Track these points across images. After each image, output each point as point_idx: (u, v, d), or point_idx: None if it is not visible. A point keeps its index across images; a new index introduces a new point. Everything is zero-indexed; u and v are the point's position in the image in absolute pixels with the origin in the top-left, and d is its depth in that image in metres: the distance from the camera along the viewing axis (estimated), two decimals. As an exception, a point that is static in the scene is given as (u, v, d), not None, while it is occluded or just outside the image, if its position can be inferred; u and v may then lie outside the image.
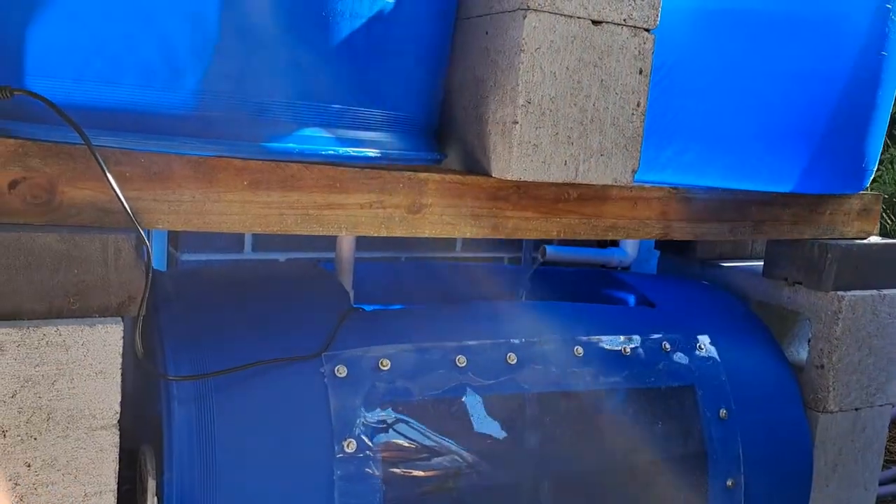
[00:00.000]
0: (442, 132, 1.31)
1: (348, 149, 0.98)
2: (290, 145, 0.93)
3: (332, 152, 0.96)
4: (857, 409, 1.60)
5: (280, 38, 0.91)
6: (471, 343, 1.23)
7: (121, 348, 0.89)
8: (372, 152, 1.00)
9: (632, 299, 1.66)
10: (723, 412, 1.40)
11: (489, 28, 1.22)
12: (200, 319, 1.13)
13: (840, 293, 1.55)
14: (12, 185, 0.89)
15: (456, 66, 1.29)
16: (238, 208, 1.03)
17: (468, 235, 1.22)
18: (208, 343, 1.09)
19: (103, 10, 0.86)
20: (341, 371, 1.12)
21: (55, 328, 0.85)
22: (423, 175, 1.15)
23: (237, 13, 0.88)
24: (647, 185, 1.38)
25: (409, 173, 1.14)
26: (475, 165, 1.24)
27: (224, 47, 0.88)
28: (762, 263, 1.72)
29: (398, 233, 1.15)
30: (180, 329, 1.11)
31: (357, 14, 0.97)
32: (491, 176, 1.21)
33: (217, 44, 0.88)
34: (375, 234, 1.13)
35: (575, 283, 1.77)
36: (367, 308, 1.31)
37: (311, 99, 0.95)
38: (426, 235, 1.18)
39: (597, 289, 1.72)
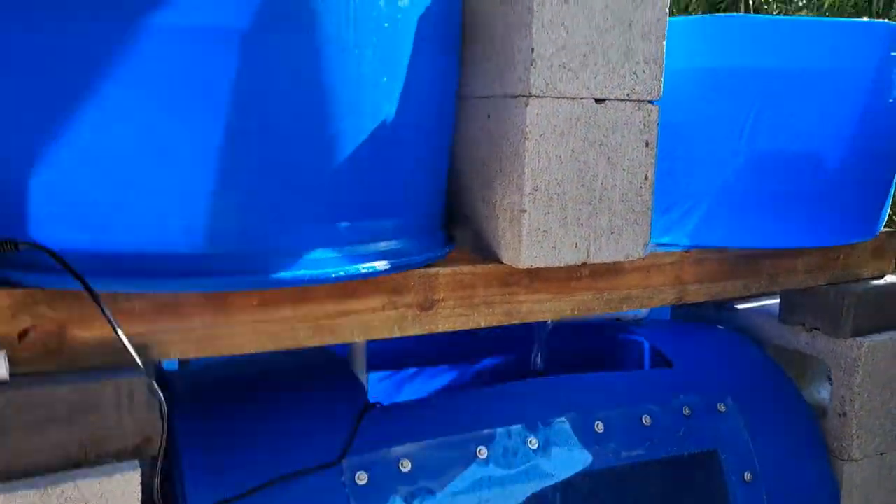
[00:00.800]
0: (448, 209, 1.29)
1: (358, 266, 0.96)
2: (301, 272, 0.91)
3: (342, 273, 0.94)
4: (881, 454, 1.58)
5: (286, 169, 0.89)
6: (490, 431, 1.22)
7: (139, 494, 0.88)
8: (381, 265, 0.99)
9: (647, 355, 1.64)
10: (747, 475, 1.39)
11: (491, 111, 1.20)
12: (214, 434, 1.11)
13: (859, 339, 1.53)
14: (23, 335, 0.88)
15: (459, 143, 1.26)
16: (249, 328, 1.01)
17: (482, 325, 1.20)
18: (224, 459, 1.08)
19: (109, 162, 0.85)
20: (362, 478, 1.10)
21: (73, 484, 0.84)
22: (433, 271, 1.14)
23: (245, 153, 0.86)
24: (659, 252, 1.36)
25: (420, 270, 1.12)
26: (485, 249, 1.23)
27: (232, 186, 0.86)
28: (777, 301, 1.69)
29: (411, 332, 1.14)
30: (194, 444, 1.09)
31: (361, 129, 0.95)
32: (501, 262, 1.19)
33: (224, 184, 0.86)
34: (388, 336, 1.12)
35: (589, 340, 1.75)
36: (382, 379, 1.30)
37: (318, 221, 0.93)
38: (440, 331, 1.16)
39: (612, 346, 1.71)
